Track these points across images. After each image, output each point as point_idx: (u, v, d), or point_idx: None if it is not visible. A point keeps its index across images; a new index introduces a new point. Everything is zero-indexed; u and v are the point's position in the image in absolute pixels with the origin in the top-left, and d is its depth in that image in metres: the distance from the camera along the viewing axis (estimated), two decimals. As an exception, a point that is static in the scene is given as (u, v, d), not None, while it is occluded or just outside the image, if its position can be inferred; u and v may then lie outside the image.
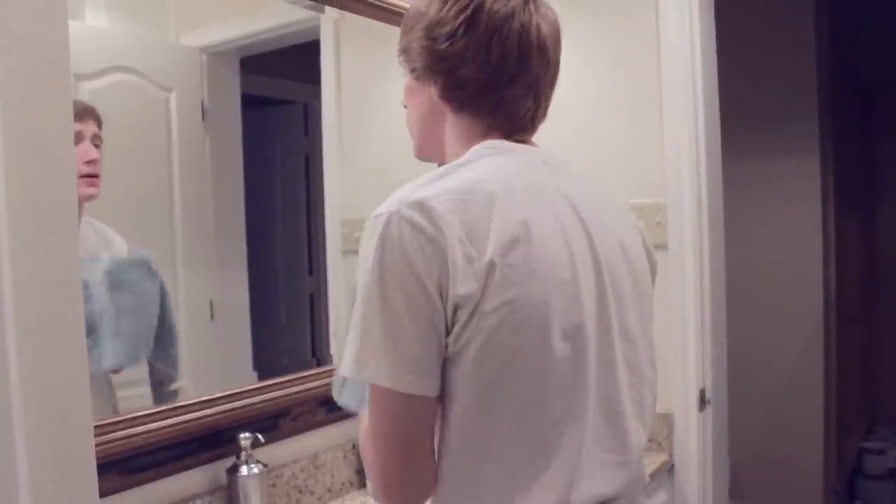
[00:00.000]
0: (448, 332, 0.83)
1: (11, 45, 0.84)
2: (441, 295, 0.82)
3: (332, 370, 1.72)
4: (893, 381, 4.49)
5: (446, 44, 0.92)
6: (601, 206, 0.98)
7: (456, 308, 0.82)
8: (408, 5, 1.92)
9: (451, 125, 0.98)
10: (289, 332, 1.98)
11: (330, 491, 1.65)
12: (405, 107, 1.04)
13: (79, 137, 1.32)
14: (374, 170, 2.02)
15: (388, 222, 0.83)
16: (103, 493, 1.02)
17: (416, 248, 0.81)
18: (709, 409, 1.98)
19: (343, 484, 1.68)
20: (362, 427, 0.96)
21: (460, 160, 0.92)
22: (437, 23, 0.93)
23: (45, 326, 0.86)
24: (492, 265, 0.81)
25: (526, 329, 0.83)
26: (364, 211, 2.13)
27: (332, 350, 1.88)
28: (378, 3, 1.84)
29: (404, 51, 0.99)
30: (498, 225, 0.83)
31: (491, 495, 0.87)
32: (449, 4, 0.92)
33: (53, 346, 0.87)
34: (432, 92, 0.96)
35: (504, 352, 0.83)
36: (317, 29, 1.87)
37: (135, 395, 1.44)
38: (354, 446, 1.71)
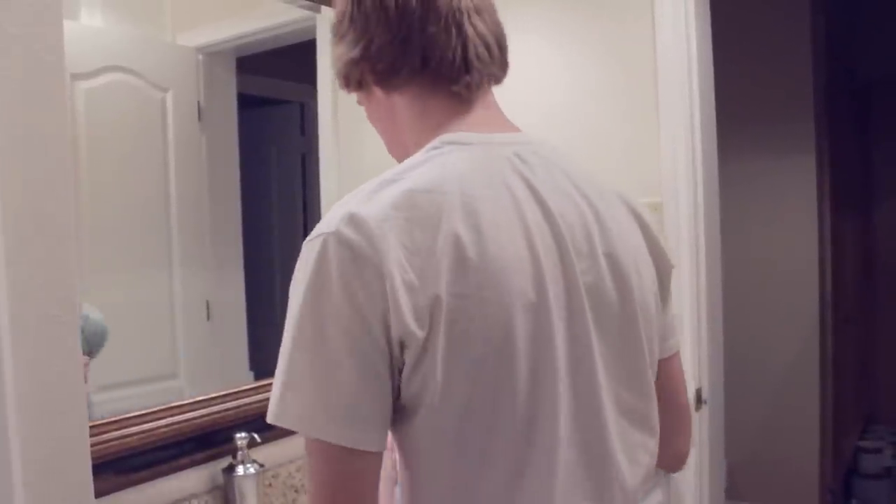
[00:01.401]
0: (400, 372, 0.72)
1: (7, 46, 0.84)
2: (386, 332, 0.70)
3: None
4: (890, 381, 4.50)
5: (349, 30, 0.85)
6: (584, 202, 0.83)
7: (402, 345, 0.70)
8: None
9: (404, 114, 0.88)
10: (285, 332, 1.98)
11: (326, 491, 1.65)
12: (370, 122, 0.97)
13: None
14: (371, 170, 2.01)
15: (324, 246, 0.71)
16: (99, 494, 1.02)
17: (355, 276, 0.69)
18: (705, 409, 1.98)
19: (339, 484, 1.68)
20: None
21: (410, 161, 0.80)
22: (335, 25, 0.88)
23: (41, 327, 0.86)
24: (438, 298, 0.69)
25: (485, 366, 0.72)
26: (360, 211, 2.13)
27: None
28: (374, 2, 1.84)
29: (339, 76, 0.91)
30: (445, 246, 0.71)
31: None
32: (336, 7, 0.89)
33: (49, 347, 0.87)
34: (376, 92, 0.88)
35: (461, 394, 0.71)
36: (313, 28, 1.87)
37: (132, 395, 1.44)
38: (351, 446, 1.71)
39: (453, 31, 0.82)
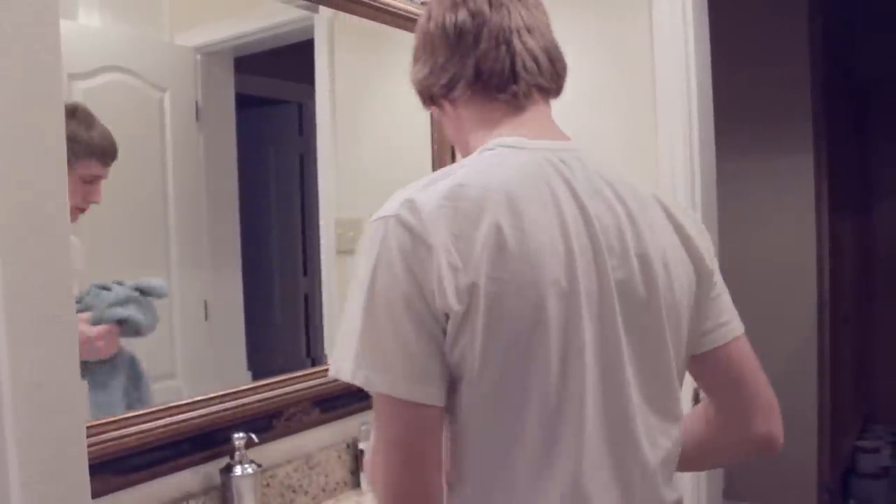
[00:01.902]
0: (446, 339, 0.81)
1: (5, 46, 0.84)
2: (433, 301, 0.79)
3: (326, 370, 1.72)
4: (888, 380, 4.50)
5: (421, 54, 1.00)
6: (621, 205, 0.91)
7: (446, 317, 0.80)
8: (402, 5, 1.93)
9: (468, 122, 0.99)
10: (283, 331, 1.98)
11: (324, 491, 1.65)
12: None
13: (97, 180, 1.39)
14: (369, 169, 2.02)
15: (385, 226, 0.82)
16: (96, 494, 1.03)
17: (410, 252, 0.79)
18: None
19: (337, 483, 1.68)
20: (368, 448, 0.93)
21: (465, 160, 0.91)
22: (413, 51, 1.03)
23: (38, 326, 0.87)
24: (477, 278, 0.79)
25: (516, 347, 0.80)
26: (359, 211, 2.15)
27: (327, 350, 1.88)
28: (372, 2, 1.84)
29: (417, 94, 1.04)
30: (487, 235, 0.80)
31: None
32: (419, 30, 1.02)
33: (46, 347, 0.87)
34: (445, 106, 1.00)
35: (495, 370, 0.80)
36: (311, 29, 1.87)
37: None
38: (349, 446, 1.71)
39: (503, 47, 0.93)
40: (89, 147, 1.39)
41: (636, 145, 1.95)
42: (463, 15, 0.95)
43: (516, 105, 0.95)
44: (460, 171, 0.86)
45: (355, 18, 1.84)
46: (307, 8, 1.81)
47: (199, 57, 1.64)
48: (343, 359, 0.82)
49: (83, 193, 1.38)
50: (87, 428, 1.00)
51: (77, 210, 1.38)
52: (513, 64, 0.94)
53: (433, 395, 0.80)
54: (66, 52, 0.91)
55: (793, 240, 3.40)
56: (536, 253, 0.81)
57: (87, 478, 0.92)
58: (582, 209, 0.87)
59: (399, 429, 0.81)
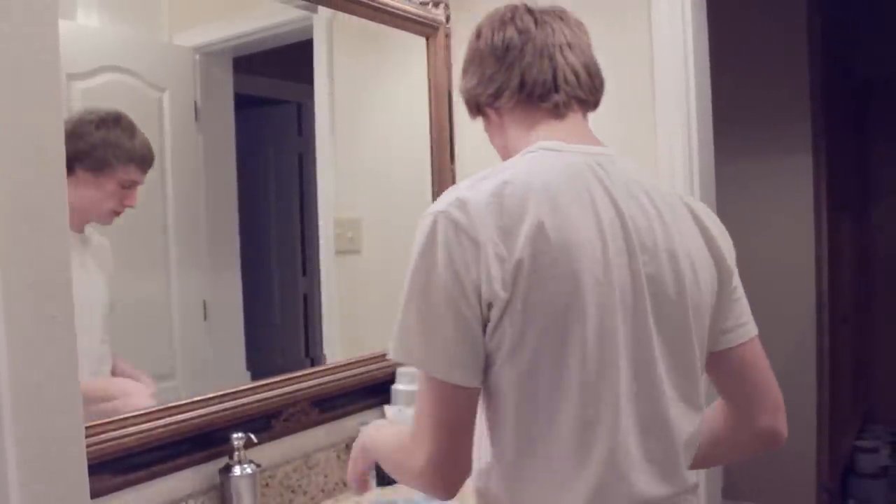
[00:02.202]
0: (484, 331, 0.89)
1: (3, 45, 0.84)
2: (478, 293, 0.87)
3: (325, 370, 1.72)
4: (887, 380, 4.50)
5: (471, 66, 1.09)
6: (650, 206, 0.98)
7: (490, 306, 0.87)
8: (401, 5, 1.93)
9: (511, 129, 1.07)
10: (282, 332, 1.98)
11: (323, 491, 1.65)
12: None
13: (135, 185, 1.44)
14: (368, 169, 2.02)
15: (434, 222, 0.89)
16: (95, 494, 1.03)
17: (456, 246, 0.87)
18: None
19: (336, 484, 1.68)
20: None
21: (509, 161, 0.99)
22: (463, 64, 1.12)
23: (37, 327, 0.86)
24: (519, 268, 0.86)
25: (553, 331, 0.88)
26: (358, 210, 2.15)
27: (326, 350, 1.88)
28: (371, 2, 1.84)
29: (465, 104, 1.13)
30: (529, 228, 0.87)
31: (532, 494, 0.92)
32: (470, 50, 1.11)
33: (44, 347, 0.87)
34: (490, 114, 1.09)
35: (531, 352, 0.88)
36: (310, 29, 1.87)
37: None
38: (347, 446, 1.71)
39: (546, 60, 1.03)
40: (131, 154, 1.44)
41: (635, 146, 1.94)
42: (511, 31, 1.04)
43: (556, 113, 1.03)
44: (506, 170, 0.94)
45: (354, 18, 1.84)
46: (306, 8, 1.81)
47: (198, 57, 1.64)
48: (393, 338, 0.92)
49: (120, 197, 1.43)
50: (86, 428, 0.99)
51: (113, 213, 1.43)
52: (555, 76, 1.03)
53: (470, 377, 0.89)
54: (64, 52, 0.91)
55: (792, 240, 3.40)
56: (575, 246, 0.89)
57: (87, 478, 0.92)
58: (617, 209, 0.94)
59: (441, 407, 0.91)
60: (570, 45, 1.05)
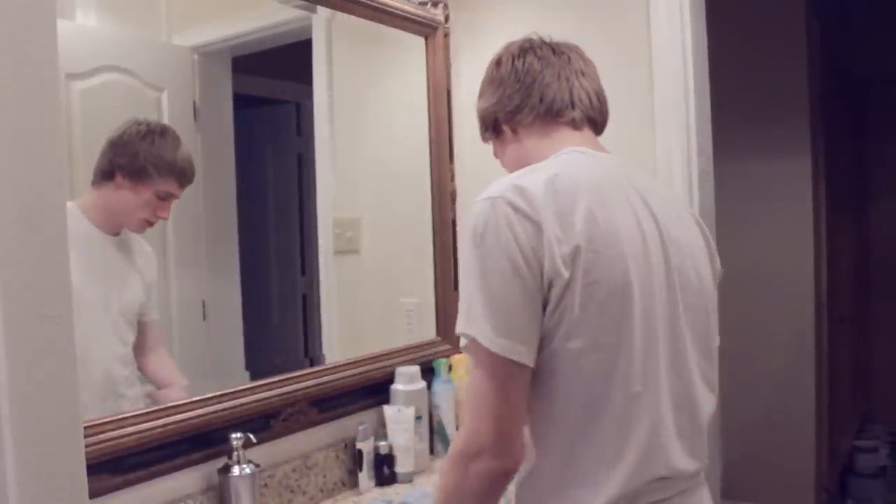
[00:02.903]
0: (544, 308, 0.94)
1: (1, 46, 0.83)
2: (540, 270, 0.93)
3: (324, 370, 1.72)
4: (885, 380, 4.51)
5: (489, 88, 1.19)
6: (669, 204, 1.09)
7: (550, 285, 0.93)
8: (400, 5, 1.93)
9: (530, 142, 1.15)
10: (281, 331, 1.98)
11: (322, 491, 1.65)
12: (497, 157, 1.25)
13: (172, 197, 1.47)
14: (367, 169, 2.02)
15: (493, 205, 0.95)
16: (93, 494, 1.02)
17: (518, 226, 0.93)
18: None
19: (335, 484, 1.68)
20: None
21: (546, 161, 1.05)
22: (481, 87, 1.22)
23: (35, 327, 0.86)
24: (577, 249, 0.93)
25: (609, 309, 0.94)
26: (357, 210, 2.15)
27: (324, 350, 1.88)
28: (370, 2, 1.84)
29: (480, 124, 1.23)
30: (582, 214, 0.95)
31: (581, 471, 0.97)
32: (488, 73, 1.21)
33: (43, 347, 0.87)
34: (506, 132, 1.17)
35: (590, 328, 0.94)
36: (309, 28, 1.87)
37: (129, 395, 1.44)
38: (346, 446, 1.71)
39: (564, 81, 1.14)
40: (171, 166, 1.47)
41: (634, 147, 1.94)
42: (531, 58, 1.15)
43: (574, 126, 1.14)
44: (549, 167, 1.01)
45: (353, 18, 1.84)
46: (305, 8, 1.81)
47: (196, 57, 1.64)
48: (459, 316, 0.97)
49: (154, 208, 1.45)
50: (85, 428, 0.99)
51: (145, 223, 1.46)
52: (571, 94, 1.14)
53: (530, 356, 0.94)
54: (63, 52, 0.91)
55: (790, 240, 3.40)
56: (620, 234, 0.97)
57: (85, 478, 0.92)
58: (646, 204, 1.04)
59: (501, 387, 0.95)
60: (583, 73, 1.16)
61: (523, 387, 0.96)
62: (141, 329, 1.47)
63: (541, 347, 0.95)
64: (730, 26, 3.03)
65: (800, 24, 3.34)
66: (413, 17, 1.98)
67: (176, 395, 1.44)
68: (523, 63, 1.15)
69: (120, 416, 1.29)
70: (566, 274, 0.92)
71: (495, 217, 0.94)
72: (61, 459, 0.89)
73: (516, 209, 0.94)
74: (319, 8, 1.81)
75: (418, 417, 1.78)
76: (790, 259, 3.40)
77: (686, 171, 1.92)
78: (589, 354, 0.94)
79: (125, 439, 1.28)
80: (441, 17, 2.07)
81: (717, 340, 1.12)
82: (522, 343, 0.94)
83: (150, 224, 1.47)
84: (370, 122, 2.04)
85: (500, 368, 0.94)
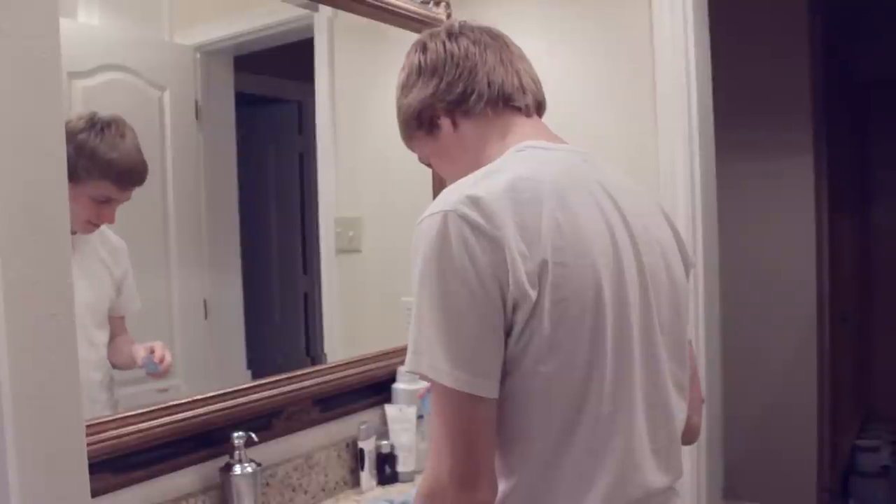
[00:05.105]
0: (508, 333, 0.84)
1: (3, 44, 0.84)
2: (501, 293, 0.82)
3: (325, 369, 1.72)
4: (887, 380, 4.50)
5: (418, 79, 1.05)
6: (636, 198, 1.00)
7: (515, 307, 0.83)
8: (402, 4, 1.93)
9: (476, 136, 1.03)
10: (283, 330, 1.98)
11: (324, 490, 1.65)
12: (429, 165, 1.14)
13: (113, 202, 1.35)
14: (369, 168, 2.02)
15: (444, 220, 0.83)
16: (95, 493, 1.02)
17: (475, 245, 0.82)
18: (703, 409, 1.98)
19: (337, 483, 1.68)
20: None
21: (502, 160, 0.95)
22: (404, 80, 1.08)
23: (37, 325, 0.86)
24: (544, 264, 0.83)
25: (580, 326, 0.85)
26: (358, 209, 2.14)
27: (326, 349, 1.88)
28: (372, 1, 1.84)
29: (409, 122, 1.08)
30: (547, 222, 0.85)
31: (552, 499, 0.89)
32: (403, 65, 1.08)
33: (45, 346, 0.87)
34: (443, 127, 1.04)
35: (561, 349, 0.84)
36: (311, 27, 1.87)
37: (129, 394, 1.44)
38: (348, 445, 1.71)
39: (508, 65, 1.04)
40: (107, 168, 1.32)
41: (636, 146, 1.94)
42: (465, 42, 1.03)
43: (527, 114, 1.04)
44: (507, 168, 0.91)
45: (355, 17, 1.84)
46: (307, 7, 1.81)
47: (198, 55, 1.64)
48: (409, 349, 0.86)
49: (96, 211, 1.33)
50: (87, 427, 0.99)
51: (90, 224, 1.35)
52: (520, 79, 1.04)
53: (494, 388, 0.85)
54: (65, 51, 0.91)
55: (792, 240, 3.40)
56: (588, 241, 0.87)
57: (87, 476, 0.92)
58: (614, 202, 0.94)
59: (464, 422, 0.85)
60: (520, 58, 1.07)
61: (488, 420, 0.85)
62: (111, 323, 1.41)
63: (506, 374, 0.86)
64: (732, 26, 3.02)
65: (802, 24, 3.34)
66: (415, 15, 1.98)
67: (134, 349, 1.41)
68: (458, 47, 1.03)
69: (122, 415, 1.30)
70: (533, 294, 0.82)
71: (447, 237, 0.82)
72: (63, 458, 0.89)
73: (472, 225, 0.82)
74: (322, 7, 1.81)
75: (420, 416, 1.78)
76: (792, 259, 3.40)
77: (688, 171, 1.92)
78: (561, 376, 0.85)
79: (127, 438, 1.28)
80: (443, 16, 2.07)
81: (686, 337, 1.04)
82: (485, 376, 0.83)
83: (96, 226, 1.35)
84: (372, 121, 2.04)
85: (460, 403, 0.83)
